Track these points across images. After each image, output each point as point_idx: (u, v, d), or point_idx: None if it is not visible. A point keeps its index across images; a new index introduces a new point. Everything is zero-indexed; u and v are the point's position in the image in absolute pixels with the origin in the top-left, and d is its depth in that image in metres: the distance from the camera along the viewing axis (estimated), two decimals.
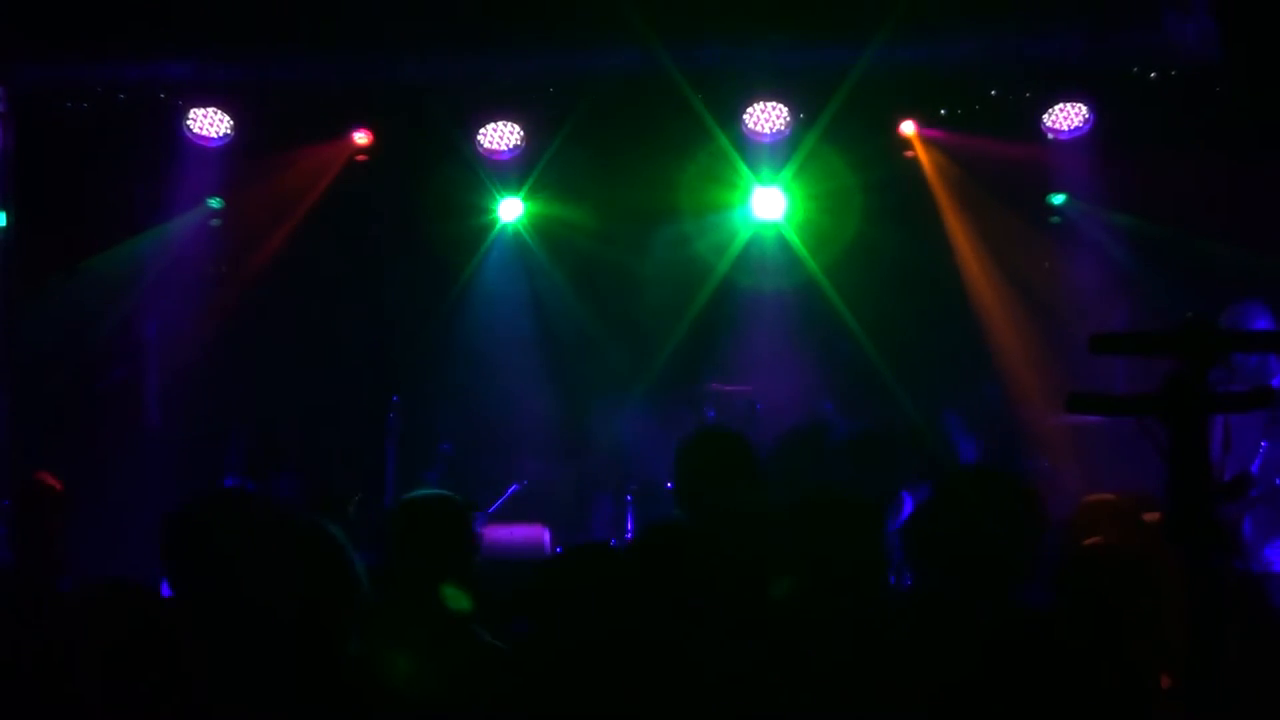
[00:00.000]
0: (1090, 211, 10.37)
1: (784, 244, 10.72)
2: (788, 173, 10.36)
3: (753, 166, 10.38)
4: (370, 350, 10.62)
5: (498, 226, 10.82)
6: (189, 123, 10.01)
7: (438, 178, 10.39)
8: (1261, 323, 7.45)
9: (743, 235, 10.71)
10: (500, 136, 10.33)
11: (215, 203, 10.50)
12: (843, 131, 10.04)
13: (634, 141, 10.13)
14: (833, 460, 7.50)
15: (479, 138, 10.31)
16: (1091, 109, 9.97)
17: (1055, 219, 10.52)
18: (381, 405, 9.63)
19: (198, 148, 10.07)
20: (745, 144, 10.24)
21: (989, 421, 10.15)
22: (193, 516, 4.13)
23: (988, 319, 10.49)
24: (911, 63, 9.58)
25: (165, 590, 4.09)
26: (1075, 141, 10.07)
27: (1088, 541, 4.31)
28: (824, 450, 7.66)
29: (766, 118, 10.12)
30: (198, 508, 4.18)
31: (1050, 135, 10.08)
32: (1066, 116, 10.04)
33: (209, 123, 10.02)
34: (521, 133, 10.29)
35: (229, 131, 10.05)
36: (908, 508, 8.20)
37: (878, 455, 7.80)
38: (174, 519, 4.14)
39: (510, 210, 10.73)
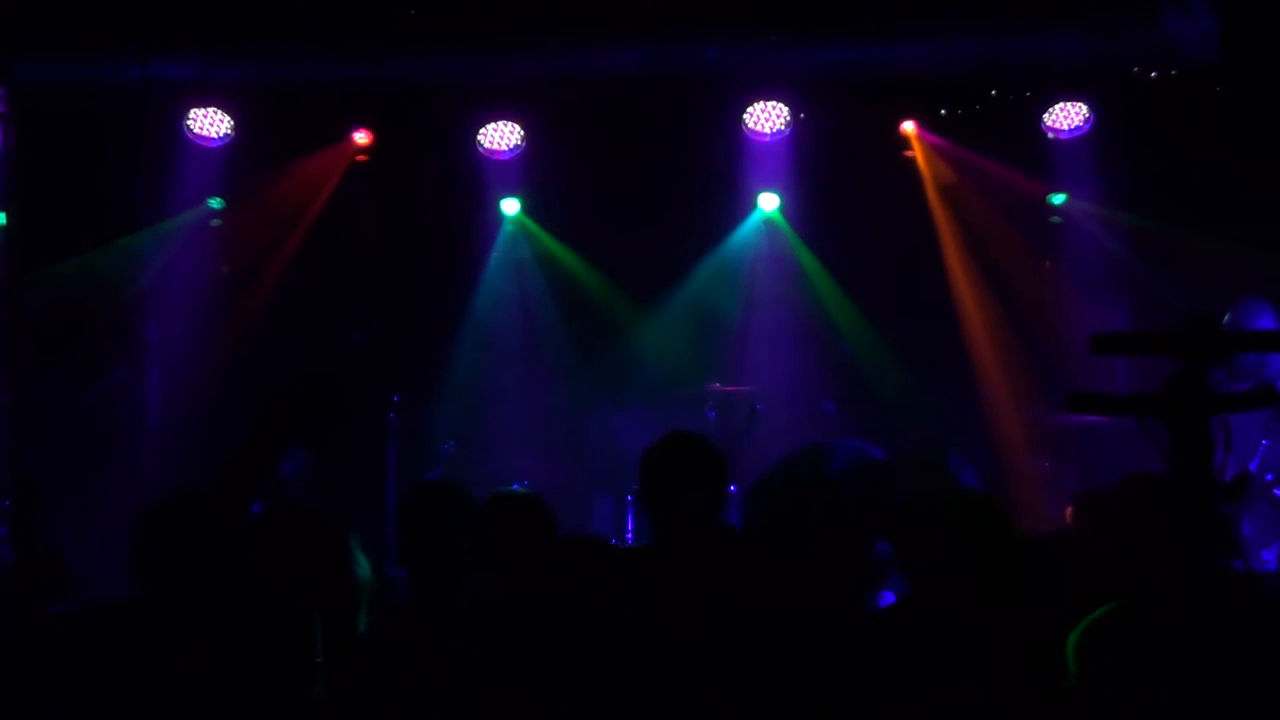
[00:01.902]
0: (1090, 211, 10.37)
1: (784, 244, 10.72)
2: (788, 173, 10.37)
3: (753, 166, 10.38)
4: (370, 350, 10.62)
5: (498, 227, 10.83)
6: (189, 123, 10.01)
7: (438, 178, 10.39)
8: (1265, 321, 7.43)
9: (743, 236, 10.72)
10: (500, 136, 10.33)
11: (215, 203, 10.50)
12: (842, 131, 10.05)
13: (634, 141, 10.13)
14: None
15: (479, 138, 10.32)
16: (1091, 109, 9.97)
17: (1055, 219, 10.53)
18: (381, 405, 9.63)
19: (198, 147, 10.08)
20: (745, 144, 10.24)
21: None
22: (165, 515, 4.13)
23: (975, 322, 10.48)
24: (911, 63, 9.57)
25: None
26: (1075, 141, 10.07)
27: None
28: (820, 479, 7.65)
29: (766, 118, 10.12)
30: (168, 507, 4.18)
31: (1050, 135, 10.08)
32: (1066, 116, 10.04)
33: (209, 122, 10.03)
34: (521, 133, 10.30)
35: (229, 131, 10.05)
36: None
37: (873, 484, 7.80)
38: (145, 518, 4.14)
39: (511, 210, 10.75)
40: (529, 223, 10.81)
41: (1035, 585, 3.77)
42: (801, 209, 10.62)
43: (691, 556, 4.20)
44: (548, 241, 10.77)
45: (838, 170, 10.21)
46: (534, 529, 4.71)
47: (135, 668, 3.51)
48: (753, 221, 10.71)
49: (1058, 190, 10.44)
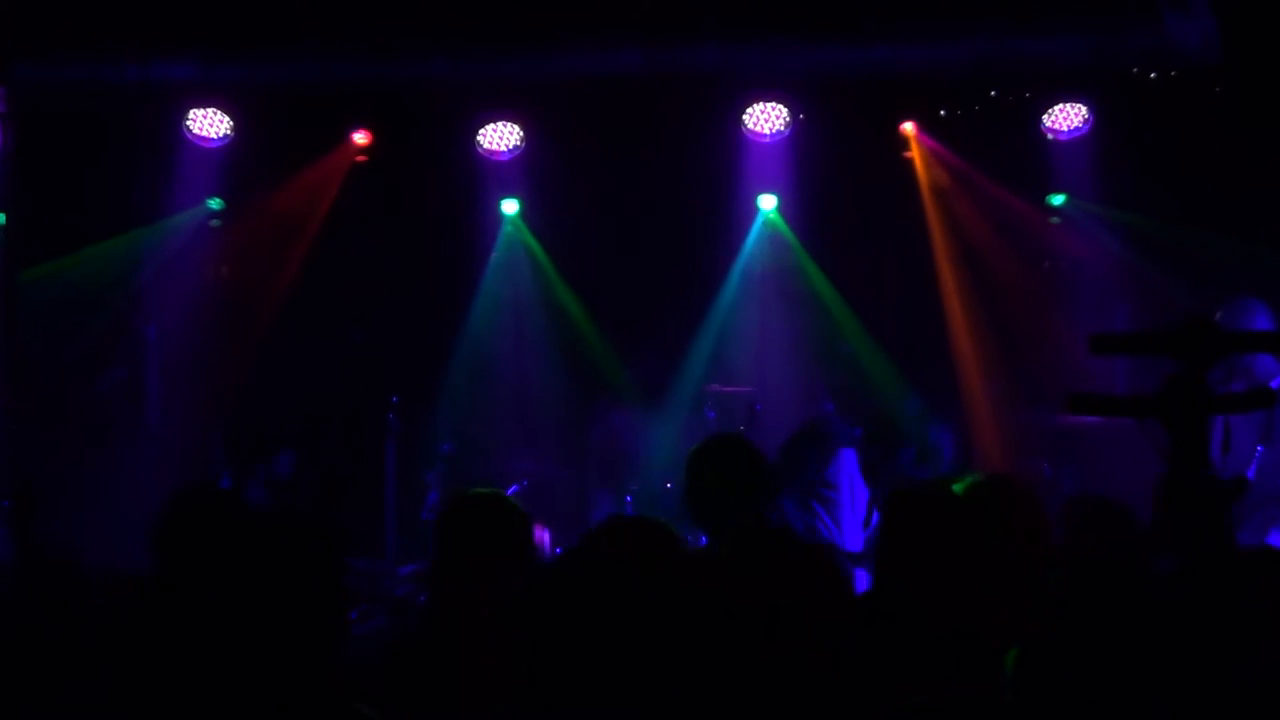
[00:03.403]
0: (1090, 211, 10.37)
1: (783, 245, 10.73)
2: (787, 173, 10.37)
3: (753, 167, 10.38)
4: (370, 350, 10.62)
5: (498, 227, 10.83)
6: (189, 123, 10.01)
7: (437, 178, 10.39)
8: (1259, 321, 7.40)
9: (742, 236, 10.73)
10: (500, 137, 10.33)
11: (215, 203, 10.50)
12: (842, 132, 10.05)
13: (633, 142, 10.13)
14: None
15: (479, 138, 10.31)
16: (1091, 109, 9.97)
17: (1055, 220, 10.53)
18: (381, 405, 9.63)
19: (197, 148, 10.08)
20: (745, 145, 10.24)
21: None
22: (184, 510, 4.16)
23: (972, 323, 10.48)
24: (911, 63, 9.57)
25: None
26: (1075, 142, 10.07)
27: None
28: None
29: (766, 118, 10.12)
30: (187, 503, 4.21)
31: (1050, 135, 10.08)
32: (1066, 116, 10.04)
33: (209, 123, 10.02)
34: (521, 133, 10.29)
35: (229, 132, 10.05)
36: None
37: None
38: (169, 511, 4.17)
39: (510, 211, 10.76)
40: (530, 218, 10.81)
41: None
42: (801, 210, 10.62)
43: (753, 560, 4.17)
44: (555, 214, 10.73)
45: (837, 171, 10.20)
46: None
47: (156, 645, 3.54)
48: (758, 228, 10.72)
49: (1057, 191, 10.44)
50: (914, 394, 9.59)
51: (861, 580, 7.26)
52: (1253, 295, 7.60)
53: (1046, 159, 10.22)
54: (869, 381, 10.27)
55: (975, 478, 4.47)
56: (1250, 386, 7.12)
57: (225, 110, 9.99)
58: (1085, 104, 9.97)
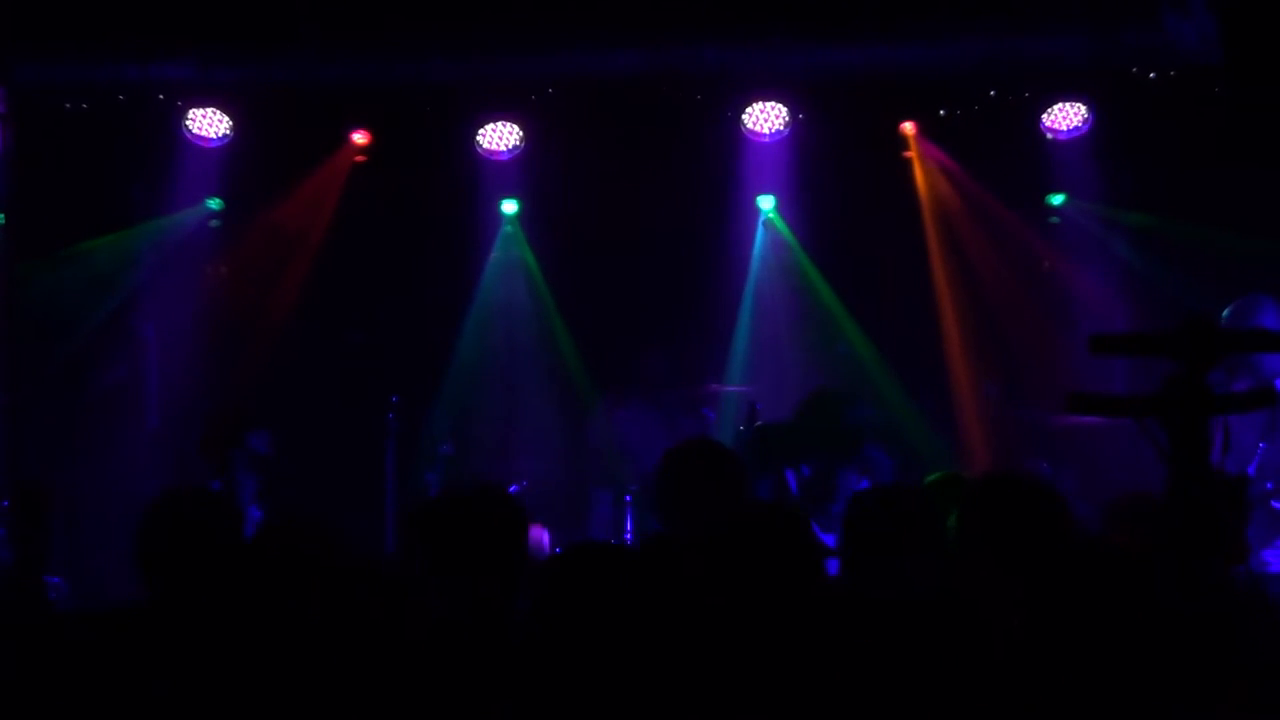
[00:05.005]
0: (1089, 212, 10.37)
1: (782, 244, 10.73)
2: (786, 173, 10.37)
3: (752, 167, 10.39)
4: (370, 351, 10.62)
5: (498, 227, 10.83)
6: (188, 123, 10.00)
7: (437, 178, 10.38)
8: (1267, 318, 7.38)
9: (740, 235, 10.73)
10: (500, 137, 10.32)
11: (214, 203, 10.50)
12: (841, 132, 10.06)
13: (633, 142, 10.13)
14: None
15: (478, 138, 10.31)
16: (1091, 109, 9.97)
17: (1054, 219, 10.53)
18: (381, 405, 9.63)
19: (196, 148, 10.07)
20: (744, 144, 10.24)
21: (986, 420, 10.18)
22: (170, 512, 4.12)
23: (969, 324, 10.48)
24: (911, 63, 9.57)
25: None
26: (1074, 142, 10.07)
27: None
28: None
29: (765, 118, 10.12)
30: (173, 504, 4.16)
31: (1050, 135, 10.08)
32: (1066, 116, 10.04)
33: (208, 123, 10.02)
34: (521, 133, 10.29)
35: (228, 132, 10.05)
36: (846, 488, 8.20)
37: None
38: (151, 514, 4.12)
39: (510, 211, 10.76)
40: (530, 218, 10.81)
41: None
42: (801, 210, 10.62)
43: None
44: (554, 214, 10.72)
45: (837, 171, 10.20)
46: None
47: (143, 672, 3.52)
48: (752, 222, 10.73)
49: (1056, 191, 10.44)
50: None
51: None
52: (1260, 292, 7.59)
53: (1046, 158, 10.22)
54: (869, 384, 10.28)
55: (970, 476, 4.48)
56: (1254, 384, 7.12)
57: (224, 110, 9.99)
58: (1085, 103, 9.97)
